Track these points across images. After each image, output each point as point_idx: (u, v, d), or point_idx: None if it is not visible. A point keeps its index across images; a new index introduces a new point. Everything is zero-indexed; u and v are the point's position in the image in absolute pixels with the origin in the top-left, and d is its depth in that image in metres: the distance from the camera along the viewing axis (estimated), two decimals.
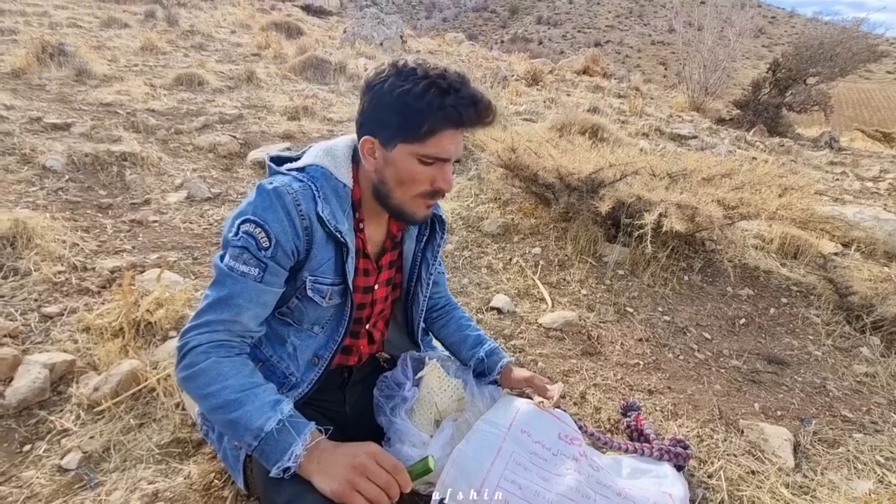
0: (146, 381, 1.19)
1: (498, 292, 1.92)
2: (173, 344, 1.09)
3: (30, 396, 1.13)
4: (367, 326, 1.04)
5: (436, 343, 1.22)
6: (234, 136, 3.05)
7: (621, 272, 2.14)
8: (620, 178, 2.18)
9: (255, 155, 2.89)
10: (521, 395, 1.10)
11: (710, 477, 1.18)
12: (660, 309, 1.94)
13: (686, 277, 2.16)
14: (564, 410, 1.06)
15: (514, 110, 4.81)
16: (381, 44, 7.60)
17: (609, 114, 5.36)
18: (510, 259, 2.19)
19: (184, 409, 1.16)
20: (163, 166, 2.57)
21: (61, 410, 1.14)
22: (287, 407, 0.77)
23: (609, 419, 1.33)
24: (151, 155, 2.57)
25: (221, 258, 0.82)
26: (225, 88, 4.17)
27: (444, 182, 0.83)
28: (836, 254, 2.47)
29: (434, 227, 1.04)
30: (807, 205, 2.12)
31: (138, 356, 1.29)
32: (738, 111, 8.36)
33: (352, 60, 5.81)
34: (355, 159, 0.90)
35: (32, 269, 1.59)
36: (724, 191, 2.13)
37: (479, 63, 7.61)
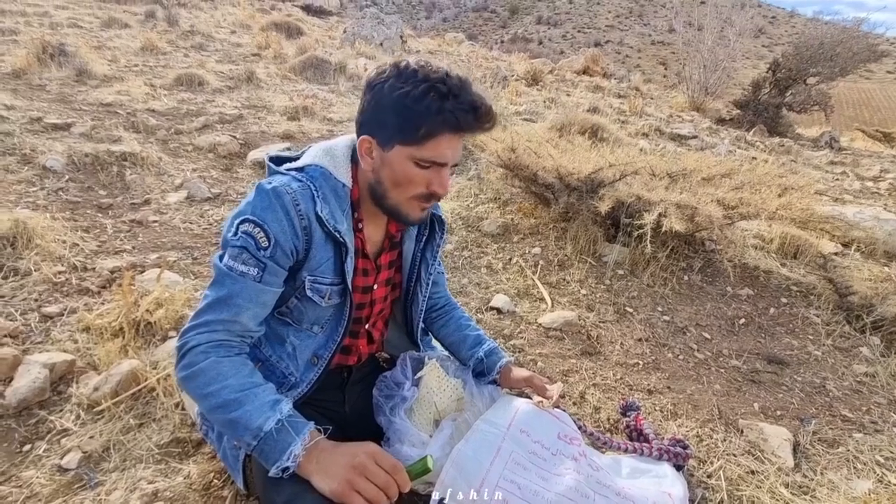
0: (146, 380, 1.20)
1: (497, 292, 1.92)
2: (173, 344, 1.09)
3: (30, 396, 1.13)
4: (367, 326, 1.04)
5: (435, 343, 1.22)
6: (234, 137, 3.05)
7: (621, 272, 2.14)
8: (620, 178, 2.18)
9: (254, 155, 2.89)
10: (521, 394, 1.10)
11: (709, 477, 1.18)
12: (659, 309, 1.94)
13: (686, 277, 2.16)
14: (564, 410, 1.06)
15: (514, 110, 4.81)
16: (381, 44, 7.60)
17: (609, 114, 5.35)
18: (510, 259, 2.20)
19: (183, 408, 1.16)
20: (163, 166, 2.58)
21: (61, 410, 1.14)
22: (286, 407, 0.77)
23: (608, 419, 1.34)
24: (151, 155, 2.57)
25: (220, 258, 0.82)
26: (225, 88, 4.17)
27: (440, 186, 0.83)
28: (836, 254, 2.47)
29: (433, 227, 1.04)
30: (807, 205, 2.12)
31: (138, 356, 1.29)
32: (738, 111, 8.36)
33: (352, 60, 5.81)
34: (354, 159, 0.90)
35: (32, 269, 1.59)
36: (723, 191, 2.13)
37: (479, 63, 7.61)
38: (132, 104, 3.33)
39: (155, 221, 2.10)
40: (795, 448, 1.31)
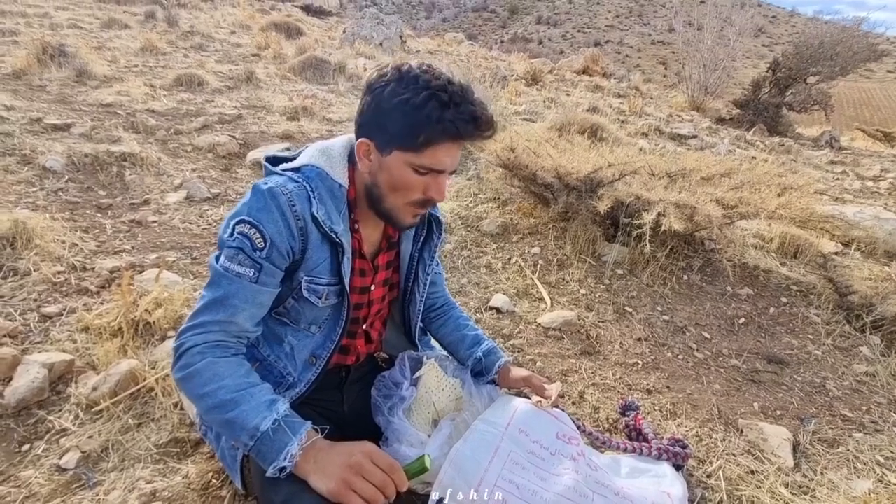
0: (145, 380, 1.20)
1: (497, 292, 1.92)
2: (172, 343, 1.09)
3: (29, 396, 1.13)
4: (364, 327, 1.04)
5: (434, 343, 1.22)
6: (234, 137, 3.05)
7: (620, 272, 2.14)
8: (619, 178, 2.17)
9: (254, 155, 2.89)
10: (519, 394, 1.10)
11: (709, 476, 1.18)
12: (659, 308, 1.94)
13: (685, 277, 2.16)
14: (563, 410, 1.05)
15: (514, 110, 4.81)
16: (381, 44, 7.61)
17: (608, 113, 5.35)
18: (509, 259, 2.19)
19: (182, 408, 1.16)
20: (162, 166, 2.58)
21: (60, 410, 1.14)
22: (283, 406, 0.77)
23: (608, 419, 1.33)
24: (151, 155, 2.57)
25: (217, 259, 0.82)
26: (224, 89, 4.17)
27: (437, 192, 0.83)
28: (836, 253, 2.46)
29: (431, 227, 1.04)
30: (806, 204, 2.11)
31: (137, 356, 1.29)
32: (738, 111, 8.35)
33: (351, 61, 5.81)
34: (352, 159, 0.90)
35: (32, 269, 1.59)
36: (723, 190, 2.13)
37: (479, 63, 7.61)
38: (132, 104, 3.33)
39: (154, 221, 2.10)
40: (795, 448, 1.31)
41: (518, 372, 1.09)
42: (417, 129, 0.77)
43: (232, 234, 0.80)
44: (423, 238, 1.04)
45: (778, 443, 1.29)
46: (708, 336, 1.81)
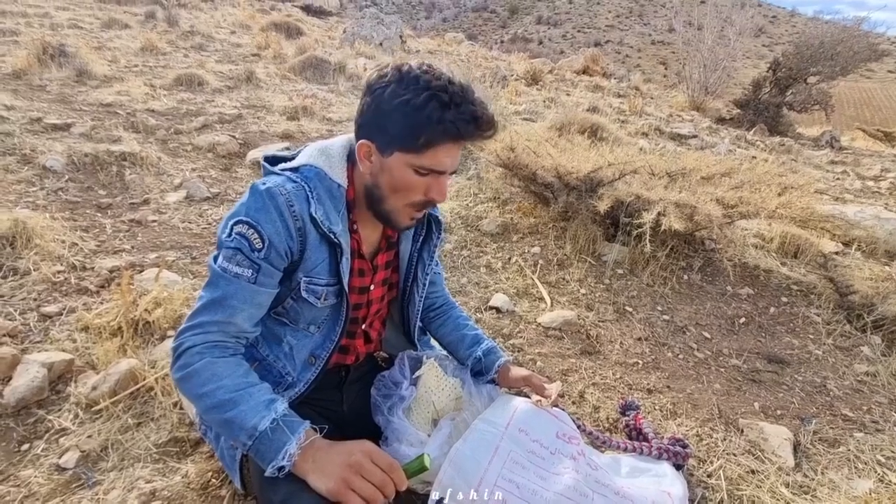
0: (144, 380, 1.19)
1: (497, 291, 1.92)
2: (171, 343, 1.09)
3: (28, 395, 1.13)
4: (364, 327, 1.04)
5: (433, 342, 1.22)
6: (234, 136, 3.05)
7: (620, 271, 2.14)
8: (619, 178, 2.17)
9: (254, 155, 2.89)
10: (520, 394, 1.10)
11: (709, 476, 1.17)
12: (659, 308, 1.94)
13: (685, 276, 2.16)
14: (563, 409, 1.05)
15: (514, 110, 4.81)
16: (381, 44, 7.61)
17: (609, 113, 5.35)
18: (509, 258, 2.19)
19: (181, 408, 1.16)
20: (162, 166, 2.58)
21: (59, 409, 1.14)
22: (281, 406, 0.77)
23: (608, 418, 1.33)
24: (151, 155, 2.57)
25: (215, 259, 0.82)
26: (224, 88, 4.17)
27: (438, 193, 0.83)
28: (836, 253, 2.46)
29: (430, 227, 1.03)
30: (807, 203, 2.11)
31: (136, 355, 1.29)
32: (739, 110, 8.35)
33: (351, 60, 5.81)
34: (351, 159, 0.89)
35: (32, 268, 1.59)
36: (723, 189, 2.12)
37: (479, 63, 7.61)
38: (132, 104, 3.33)
39: (154, 221, 2.10)
40: (796, 447, 1.30)
41: (518, 371, 1.09)
42: (418, 131, 0.76)
43: (230, 235, 0.80)
44: (422, 238, 1.04)
45: (778, 442, 1.28)
46: (708, 336, 1.81)
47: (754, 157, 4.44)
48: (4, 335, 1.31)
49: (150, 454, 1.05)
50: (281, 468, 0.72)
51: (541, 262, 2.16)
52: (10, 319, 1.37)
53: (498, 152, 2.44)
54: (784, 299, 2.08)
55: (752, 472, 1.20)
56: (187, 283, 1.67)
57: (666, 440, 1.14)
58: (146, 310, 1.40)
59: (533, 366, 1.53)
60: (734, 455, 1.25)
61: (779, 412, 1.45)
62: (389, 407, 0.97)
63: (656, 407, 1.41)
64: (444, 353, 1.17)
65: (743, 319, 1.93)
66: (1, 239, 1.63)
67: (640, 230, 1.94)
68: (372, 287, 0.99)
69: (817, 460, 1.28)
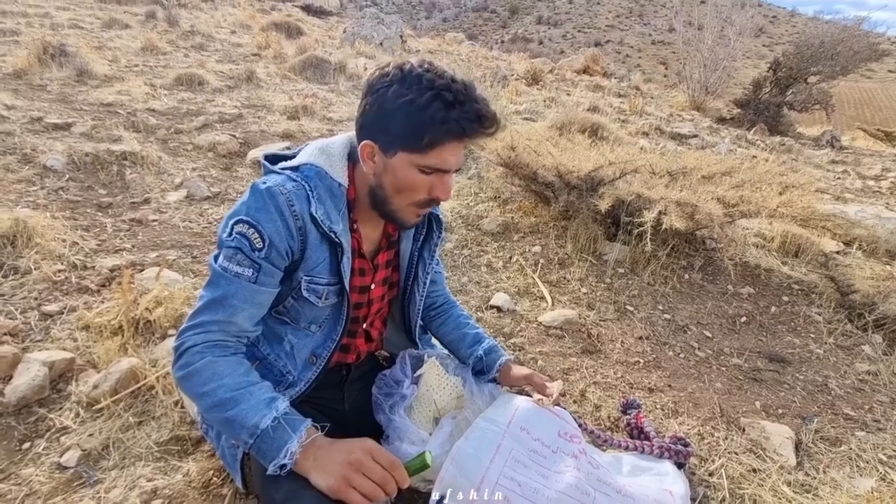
0: (145, 378, 1.19)
1: (498, 290, 1.91)
2: (172, 342, 1.09)
3: (29, 394, 1.13)
4: (365, 326, 1.04)
5: (434, 341, 1.22)
6: (234, 136, 3.05)
7: (621, 270, 2.13)
8: (620, 177, 2.17)
9: (254, 154, 2.89)
10: (521, 392, 1.10)
11: (711, 475, 1.17)
12: (660, 307, 1.94)
13: (686, 276, 2.15)
14: (564, 408, 1.05)
15: (514, 109, 4.81)
16: (381, 43, 7.61)
17: (609, 113, 5.35)
18: (510, 257, 2.19)
19: (183, 406, 1.16)
20: (162, 165, 2.58)
21: (60, 408, 1.14)
22: (282, 404, 0.77)
23: (609, 417, 1.33)
24: (151, 154, 2.57)
25: (216, 258, 0.82)
26: (225, 88, 4.17)
27: (443, 192, 0.83)
28: (837, 252, 2.46)
29: (431, 226, 1.03)
30: (807, 203, 2.11)
31: (137, 354, 1.29)
32: (739, 110, 8.35)
33: (352, 60, 5.81)
34: (351, 158, 0.89)
35: (32, 267, 1.59)
36: (724, 189, 2.12)
37: (480, 63, 7.61)
38: (132, 104, 3.33)
39: (154, 220, 2.10)
40: (797, 446, 1.30)
41: (519, 370, 1.09)
42: (422, 131, 0.76)
43: (230, 234, 0.80)
44: (423, 237, 1.04)
45: (780, 441, 1.28)
46: (709, 335, 1.81)
47: (755, 157, 4.44)
48: (5, 334, 1.31)
49: (152, 453, 1.05)
50: (283, 466, 0.72)
51: (542, 261, 2.16)
52: (10, 318, 1.37)
53: (499, 151, 2.44)
54: (785, 298, 2.08)
55: (754, 470, 1.20)
56: (188, 282, 1.67)
57: (667, 439, 1.14)
58: (147, 309, 1.40)
59: (534, 365, 1.53)
60: (736, 454, 1.25)
61: (780, 411, 1.45)
62: (391, 405, 0.97)
63: (658, 406, 1.41)
64: (446, 351, 1.17)
65: (744, 318, 1.93)
66: (2, 238, 1.63)
67: (640, 229, 1.94)
68: (373, 286, 0.99)
69: (819, 459, 1.28)
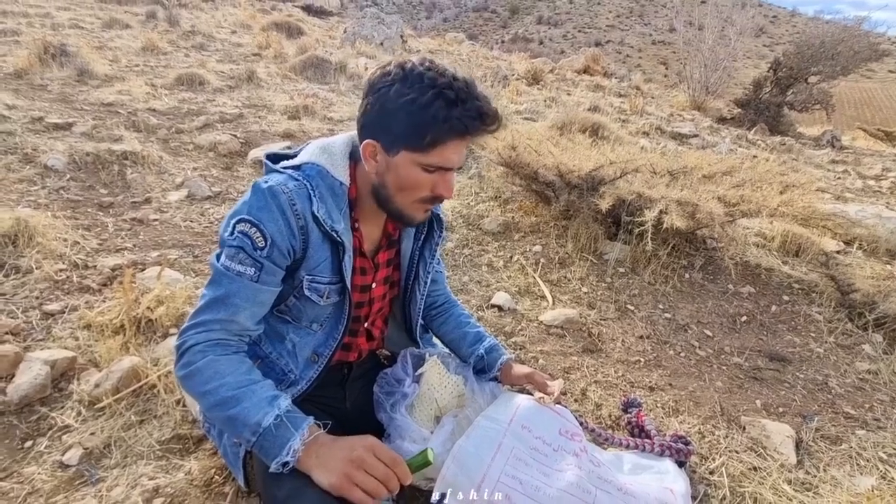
0: (147, 377, 1.20)
1: (499, 290, 1.92)
2: (174, 341, 1.09)
3: (31, 393, 1.13)
4: (366, 325, 1.04)
5: (435, 340, 1.22)
6: (235, 135, 3.05)
7: (622, 270, 2.14)
8: (621, 176, 2.17)
9: (255, 154, 2.89)
10: (522, 391, 1.10)
11: (711, 473, 1.17)
12: (661, 306, 1.94)
13: (687, 275, 2.15)
14: (565, 406, 1.05)
15: (515, 109, 4.81)
16: (382, 43, 7.61)
17: (610, 113, 5.35)
18: (511, 257, 2.19)
19: (184, 405, 1.16)
20: (163, 165, 2.58)
21: (62, 407, 1.14)
22: (284, 402, 0.77)
23: (610, 416, 1.33)
24: (152, 154, 2.57)
25: (218, 257, 0.82)
26: (225, 88, 4.18)
27: (446, 190, 0.83)
28: (838, 251, 2.46)
29: (432, 225, 1.03)
30: (808, 202, 2.11)
31: (139, 353, 1.29)
32: (740, 110, 8.35)
33: (352, 60, 5.81)
34: (353, 157, 0.89)
35: (34, 267, 1.59)
36: (724, 188, 2.12)
37: (480, 63, 7.61)
38: (133, 104, 3.33)
39: (156, 220, 2.10)
40: (798, 445, 1.30)
41: (520, 369, 1.09)
42: (425, 129, 0.76)
43: (232, 233, 0.80)
44: (423, 236, 1.04)
45: (780, 440, 1.28)
46: (710, 334, 1.81)
47: (755, 157, 4.44)
48: (7, 333, 1.31)
49: (154, 451, 1.05)
50: (285, 464, 0.72)
51: (542, 260, 2.16)
52: (12, 317, 1.37)
53: (499, 151, 2.44)
54: (785, 297, 2.08)
55: (755, 469, 1.20)
56: (189, 281, 1.67)
57: (668, 437, 1.14)
58: (148, 308, 1.41)
59: (535, 364, 1.53)
60: (736, 452, 1.25)
61: (781, 410, 1.45)
62: (392, 404, 0.97)
63: (658, 404, 1.41)
64: (447, 350, 1.17)
65: (744, 318, 1.93)
66: (3, 237, 1.63)
67: (641, 228, 1.94)
68: (374, 285, 0.99)
69: (819, 457, 1.28)
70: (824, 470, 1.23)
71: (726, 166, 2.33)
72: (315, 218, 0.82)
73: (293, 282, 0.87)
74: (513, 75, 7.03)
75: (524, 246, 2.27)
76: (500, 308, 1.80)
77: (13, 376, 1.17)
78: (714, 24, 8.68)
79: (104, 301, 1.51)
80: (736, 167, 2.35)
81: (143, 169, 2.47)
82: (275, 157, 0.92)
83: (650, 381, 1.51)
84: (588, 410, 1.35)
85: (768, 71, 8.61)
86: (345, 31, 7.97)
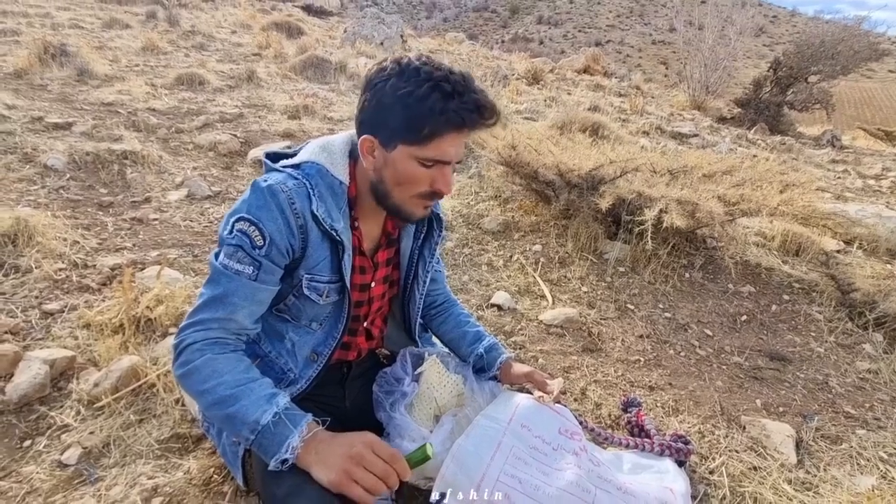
0: (146, 377, 1.19)
1: (498, 289, 1.91)
2: (171, 341, 1.09)
3: (30, 392, 1.13)
4: (365, 324, 1.04)
5: (435, 339, 1.22)
6: (235, 135, 3.05)
7: (622, 269, 2.13)
8: (621, 175, 2.17)
9: (255, 153, 2.89)
10: (521, 390, 1.10)
11: (711, 473, 1.17)
12: (661, 306, 1.94)
13: (687, 274, 2.15)
14: (565, 406, 1.05)
15: (515, 109, 4.81)
16: (382, 43, 7.61)
17: (610, 112, 5.35)
18: (511, 256, 2.19)
19: (183, 404, 1.16)
20: (163, 165, 2.58)
21: (61, 406, 1.14)
22: (283, 400, 0.77)
23: (610, 415, 1.33)
24: (152, 153, 2.57)
25: (216, 256, 0.82)
26: (225, 88, 4.18)
27: (444, 184, 0.83)
28: (838, 251, 2.46)
29: (431, 224, 1.03)
30: (808, 201, 2.11)
31: (138, 352, 1.29)
32: (740, 110, 8.35)
33: (352, 60, 5.81)
34: (353, 155, 0.89)
35: (33, 266, 1.59)
36: (724, 187, 2.12)
37: (480, 62, 7.61)
38: (133, 103, 3.33)
39: (155, 219, 2.10)
40: (798, 444, 1.30)
41: (520, 368, 1.09)
42: (421, 122, 0.76)
43: (231, 232, 0.80)
44: (423, 235, 1.03)
45: (781, 439, 1.28)
46: (710, 333, 1.81)
47: (755, 156, 4.44)
48: (6, 332, 1.31)
49: (152, 450, 1.05)
50: (284, 461, 0.72)
51: (542, 259, 2.16)
52: (11, 317, 1.37)
53: (499, 150, 2.44)
54: (786, 297, 2.08)
55: (755, 468, 1.20)
56: (189, 280, 1.67)
57: (668, 437, 1.14)
58: (148, 307, 1.40)
59: (535, 363, 1.53)
60: (736, 452, 1.25)
61: (781, 409, 1.45)
62: (391, 403, 0.97)
63: (658, 404, 1.41)
64: (446, 350, 1.17)
65: (745, 317, 1.93)
66: (2, 237, 1.63)
67: (641, 228, 1.94)
68: (373, 284, 0.99)
69: (819, 457, 1.27)
70: (824, 470, 1.23)
71: (726, 165, 2.33)
72: (314, 217, 0.82)
73: (292, 281, 0.87)
74: (513, 75, 7.03)
75: (524, 245, 2.27)
76: (499, 307, 1.80)
77: (12, 375, 1.16)
78: (714, 24, 8.68)
79: (103, 300, 1.51)
80: (736, 166, 2.35)
81: (142, 168, 2.47)
82: (274, 156, 0.92)
83: (650, 381, 1.50)
84: (588, 410, 1.35)
85: (768, 70, 8.61)
86: (345, 31, 7.97)
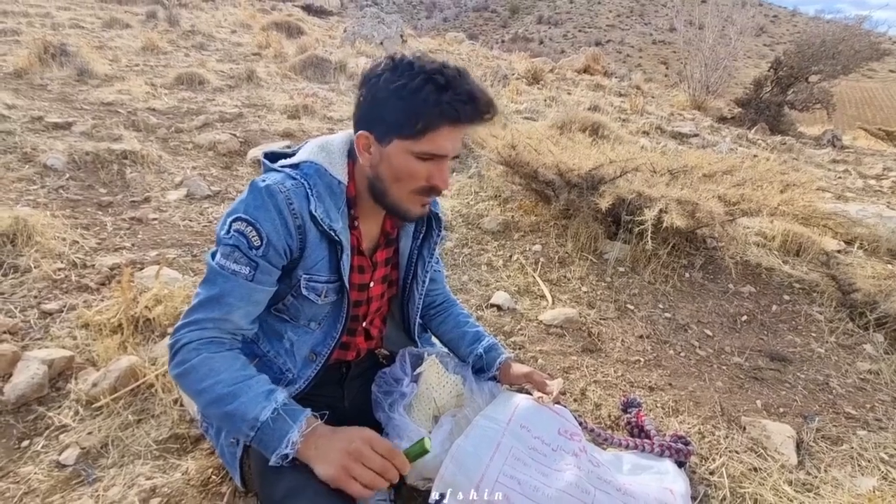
0: (144, 377, 1.19)
1: (498, 289, 1.91)
2: (167, 341, 1.08)
3: (28, 392, 1.13)
4: (364, 324, 1.03)
5: (434, 339, 1.22)
6: (234, 135, 3.05)
7: (622, 269, 2.13)
8: (621, 175, 2.16)
9: (254, 153, 2.89)
10: (521, 390, 1.09)
11: (711, 474, 1.17)
12: (661, 306, 1.93)
13: (687, 274, 2.15)
14: (564, 406, 1.05)
15: (515, 109, 4.81)
16: (382, 43, 7.61)
17: (610, 112, 5.34)
18: (510, 256, 2.19)
19: (182, 405, 1.16)
20: (163, 164, 2.58)
21: (60, 406, 1.13)
22: (281, 395, 0.77)
23: (609, 416, 1.33)
24: (152, 153, 2.57)
25: (213, 256, 0.82)
26: (225, 87, 4.17)
27: (441, 179, 0.82)
28: (838, 251, 2.45)
29: (430, 224, 1.03)
30: (809, 201, 2.10)
31: (137, 352, 1.29)
32: (740, 109, 8.33)
33: (352, 59, 5.81)
34: (352, 155, 0.89)
35: (32, 266, 1.59)
36: (725, 187, 2.11)
37: (480, 62, 7.61)
38: (133, 103, 3.33)
39: (155, 219, 2.10)
40: (799, 445, 1.30)
41: (519, 368, 1.08)
42: (416, 115, 0.76)
43: (228, 232, 0.80)
44: (422, 235, 1.03)
45: (781, 440, 1.28)
46: (710, 333, 1.81)
47: (756, 156, 4.43)
48: (5, 332, 1.30)
49: (151, 451, 1.05)
50: (285, 456, 0.72)
51: (542, 259, 2.16)
52: (10, 316, 1.37)
53: (499, 150, 2.43)
54: (786, 297, 2.08)
55: (755, 469, 1.20)
56: (188, 280, 1.66)
57: (668, 437, 1.13)
58: (146, 307, 1.40)
59: (534, 363, 1.52)
60: (736, 452, 1.24)
61: (781, 410, 1.45)
62: (390, 403, 0.97)
63: (658, 404, 1.40)
64: (445, 350, 1.17)
65: (745, 317, 1.92)
66: (2, 236, 1.63)
67: (641, 228, 1.93)
68: (371, 284, 0.99)
69: (820, 458, 1.27)
70: (825, 471, 1.23)
71: (726, 165, 2.33)
72: (313, 217, 0.82)
73: (290, 281, 0.87)
74: (513, 75, 7.03)
75: (524, 245, 2.27)
76: (499, 307, 1.80)
77: (11, 375, 1.16)
78: (714, 24, 8.67)
79: (102, 300, 1.51)
80: (736, 166, 2.34)
81: (142, 168, 2.47)
82: (273, 156, 0.91)
83: (650, 381, 1.50)
84: (587, 410, 1.34)
85: (769, 70, 8.59)
86: (345, 31, 7.96)
